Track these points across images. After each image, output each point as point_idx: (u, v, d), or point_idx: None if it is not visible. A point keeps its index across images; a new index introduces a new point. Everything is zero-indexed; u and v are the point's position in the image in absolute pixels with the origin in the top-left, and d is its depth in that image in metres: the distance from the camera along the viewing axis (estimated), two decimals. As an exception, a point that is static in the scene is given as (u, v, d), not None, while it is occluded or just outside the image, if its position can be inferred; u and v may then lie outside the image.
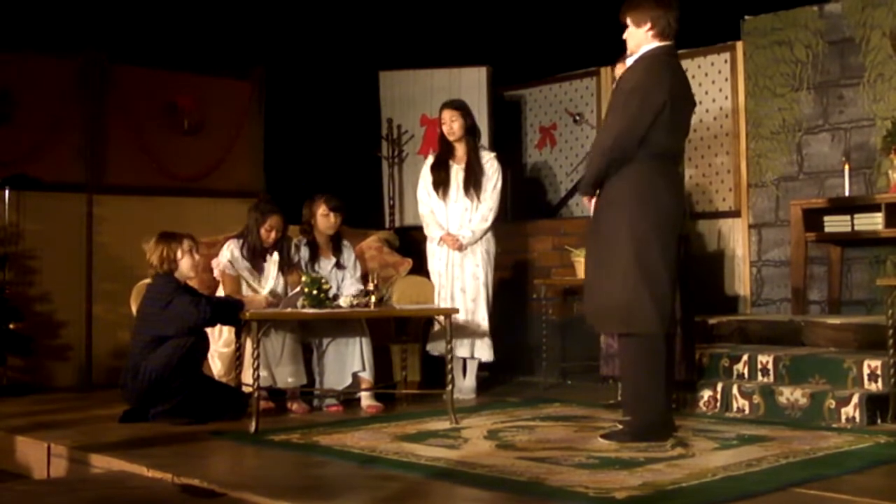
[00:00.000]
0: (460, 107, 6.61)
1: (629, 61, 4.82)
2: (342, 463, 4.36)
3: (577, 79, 8.84)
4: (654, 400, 4.69)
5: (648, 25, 4.72)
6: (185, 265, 5.55)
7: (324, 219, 6.20)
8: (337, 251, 6.29)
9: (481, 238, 6.51)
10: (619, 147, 4.66)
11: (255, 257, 6.02)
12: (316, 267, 6.15)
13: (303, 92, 8.72)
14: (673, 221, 4.74)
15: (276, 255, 6.05)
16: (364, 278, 6.13)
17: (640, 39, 4.75)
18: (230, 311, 5.47)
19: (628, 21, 4.79)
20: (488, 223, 6.51)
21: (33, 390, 6.88)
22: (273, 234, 6.03)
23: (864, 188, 7.02)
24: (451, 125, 6.53)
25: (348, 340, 5.94)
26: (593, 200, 4.92)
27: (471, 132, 6.59)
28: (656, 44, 4.73)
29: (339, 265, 6.24)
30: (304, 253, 6.18)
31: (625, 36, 4.84)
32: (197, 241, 5.67)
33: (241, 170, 8.24)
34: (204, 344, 5.58)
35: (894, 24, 6.94)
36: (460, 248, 6.48)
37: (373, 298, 5.64)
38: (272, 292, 5.92)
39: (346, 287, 6.12)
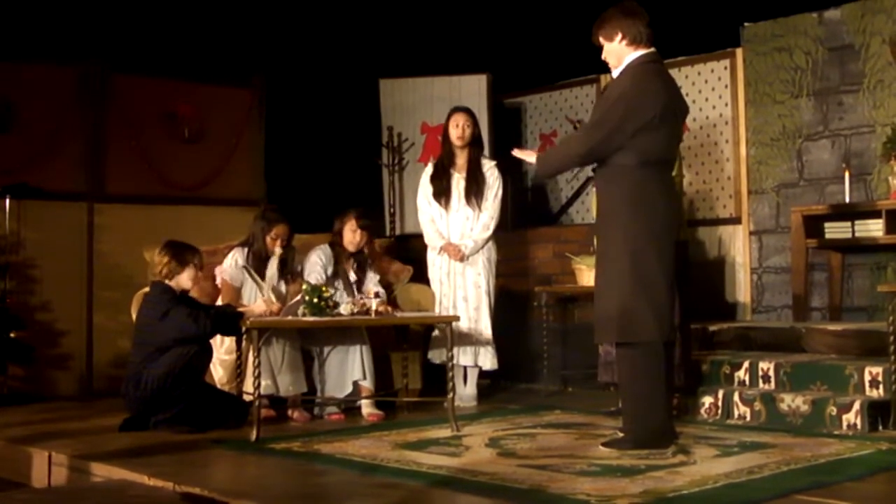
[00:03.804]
0: (473, 114, 6.64)
1: (615, 73, 4.85)
2: (343, 471, 4.36)
3: (577, 86, 8.86)
4: (655, 408, 4.69)
5: (620, 36, 4.76)
6: (186, 276, 5.54)
7: (349, 233, 6.19)
8: (360, 270, 6.26)
9: (483, 247, 6.51)
10: (594, 155, 4.81)
11: (261, 266, 6.02)
12: (336, 283, 6.13)
13: (303, 100, 8.74)
14: (668, 228, 4.75)
15: (272, 262, 6.06)
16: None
17: (619, 52, 4.79)
18: (230, 322, 5.46)
19: (601, 40, 4.84)
20: (490, 232, 6.50)
21: (34, 399, 6.88)
22: (279, 243, 6.04)
23: (865, 194, 7.03)
24: (464, 130, 6.52)
25: (349, 348, 5.94)
26: (524, 151, 5.24)
27: (477, 142, 6.61)
28: (636, 52, 4.76)
29: (357, 286, 6.17)
30: (329, 267, 6.17)
31: (604, 56, 4.88)
32: (202, 255, 5.66)
33: (241, 178, 8.25)
34: (207, 353, 5.57)
35: (894, 30, 6.95)
36: (462, 258, 6.47)
37: (373, 306, 5.63)
38: (274, 290, 5.91)
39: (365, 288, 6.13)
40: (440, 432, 5.28)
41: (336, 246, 6.25)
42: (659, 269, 4.67)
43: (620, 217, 4.69)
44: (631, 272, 4.64)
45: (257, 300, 5.82)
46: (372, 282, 6.27)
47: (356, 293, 6.07)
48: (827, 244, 6.93)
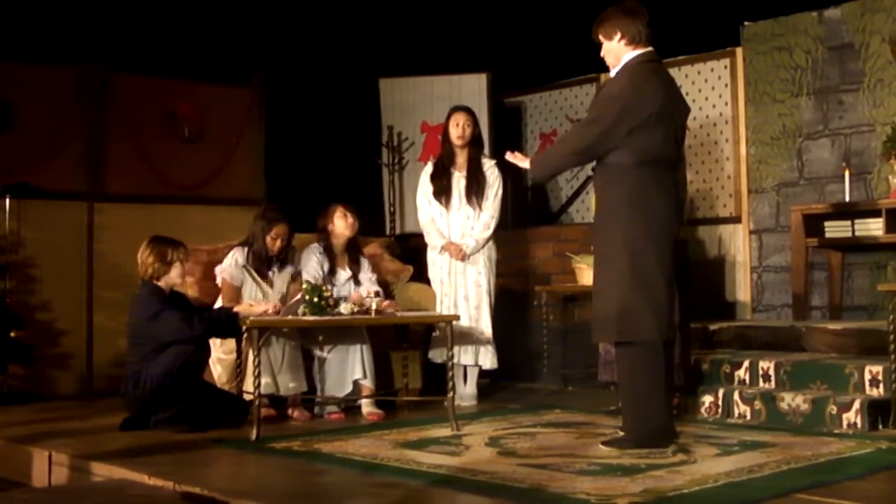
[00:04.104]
0: (474, 114, 6.64)
1: (613, 72, 4.86)
2: (343, 470, 4.36)
3: (577, 85, 8.86)
4: (655, 407, 4.69)
5: (619, 35, 4.77)
6: (174, 274, 5.54)
7: (341, 220, 6.22)
8: (354, 264, 6.29)
9: (484, 246, 6.51)
10: (589, 153, 4.82)
11: (261, 265, 6.03)
12: (332, 278, 6.15)
13: (303, 99, 8.73)
14: (667, 227, 4.75)
15: (287, 269, 6.08)
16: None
17: (617, 51, 4.81)
18: (225, 325, 5.46)
19: (600, 38, 4.86)
20: (490, 231, 6.50)
21: (34, 399, 6.88)
22: (279, 243, 6.04)
23: (865, 193, 7.03)
24: (465, 129, 6.52)
25: (349, 348, 5.94)
26: (516, 155, 5.14)
27: (477, 141, 6.60)
28: (634, 52, 4.77)
29: (355, 279, 6.24)
30: (325, 264, 6.19)
31: (602, 54, 4.89)
32: (186, 249, 5.66)
33: (241, 177, 8.24)
34: (204, 351, 5.58)
35: (893, 29, 6.95)
36: (463, 257, 6.47)
37: (373, 305, 5.63)
38: (281, 298, 5.92)
39: (363, 290, 6.15)
40: (440, 431, 5.29)
41: (326, 241, 6.25)
42: (658, 269, 4.67)
43: (619, 217, 4.69)
44: (630, 272, 4.64)
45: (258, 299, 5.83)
46: (368, 277, 6.27)
47: (354, 285, 6.13)
48: (827, 243, 6.93)
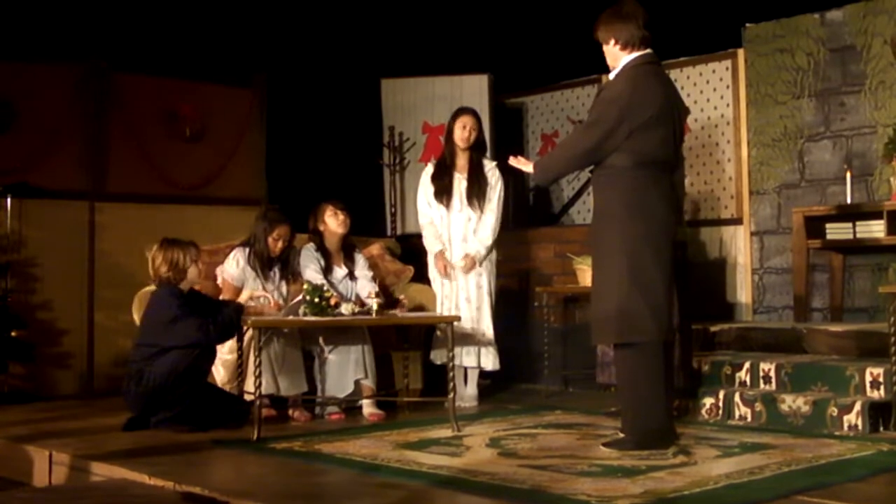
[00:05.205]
0: (480, 118, 6.63)
1: (612, 74, 4.87)
2: (344, 471, 4.36)
3: (578, 86, 8.86)
4: (655, 408, 4.69)
5: (613, 40, 4.79)
6: (192, 273, 5.54)
7: (332, 218, 6.21)
8: (349, 260, 6.29)
9: (491, 250, 6.49)
10: (591, 156, 4.80)
11: (262, 266, 6.03)
12: (329, 277, 6.15)
13: (304, 99, 8.73)
14: (665, 229, 4.75)
15: (287, 270, 6.08)
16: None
17: (614, 54, 4.84)
18: (235, 325, 5.45)
19: (600, 40, 4.86)
20: (495, 234, 6.48)
21: (35, 398, 6.88)
22: (280, 244, 6.04)
23: (866, 195, 7.03)
24: (470, 133, 6.49)
25: (350, 348, 5.94)
26: (518, 160, 5.13)
27: (480, 146, 6.59)
28: (630, 55, 4.77)
29: (351, 276, 6.24)
30: (320, 263, 6.18)
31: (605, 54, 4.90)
32: (197, 249, 5.66)
33: (242, 177, 8.24)
34: (211, 354, 5.56)
35: (895, 31, 6.95)
36: (472, 267, 6.43)
37: (374, 306, 5.63)
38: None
39: (361, 288, 6.14)
40: (441, 432, 5.28)
41: (319, 240, 6.25)
42: (656, 270, 4.67)
43: (617, 219, 4.70)
44: (628, 273, 4.64)
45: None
46: (365, 274, 6.27)
47: (351, 282, 6.17)
48: (828, 245, 6.93)
